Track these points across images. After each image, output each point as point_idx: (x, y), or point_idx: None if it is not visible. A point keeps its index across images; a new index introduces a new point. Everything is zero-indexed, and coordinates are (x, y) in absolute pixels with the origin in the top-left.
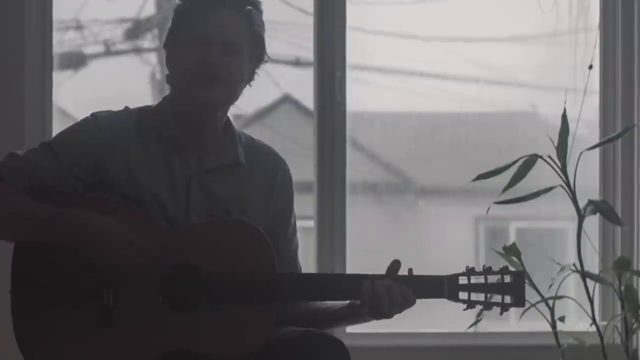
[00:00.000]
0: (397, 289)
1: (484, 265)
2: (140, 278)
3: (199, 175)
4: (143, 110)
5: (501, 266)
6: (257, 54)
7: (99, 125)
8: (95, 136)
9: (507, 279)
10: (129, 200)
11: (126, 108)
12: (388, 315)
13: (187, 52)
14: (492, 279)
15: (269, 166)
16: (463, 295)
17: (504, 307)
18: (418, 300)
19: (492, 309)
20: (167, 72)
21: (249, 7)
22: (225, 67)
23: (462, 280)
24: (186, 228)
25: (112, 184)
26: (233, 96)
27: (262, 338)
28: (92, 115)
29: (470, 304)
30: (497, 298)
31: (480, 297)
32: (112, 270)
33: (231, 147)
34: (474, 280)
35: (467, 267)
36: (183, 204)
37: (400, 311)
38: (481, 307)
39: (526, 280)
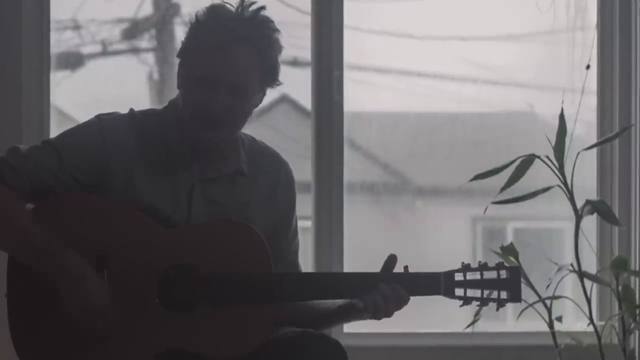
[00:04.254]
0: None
1: (479, 261)
2: (139, 278)
3: (201, 183)
4: (148, 114)
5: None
6: (268, 82)
7: (104, 128)
8: (100, 139)
9: (503, 274)
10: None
11: (131, 110)
12: (387, 315)
13: (193, 90)
14: (488, 274)
15: (271, 168)
16: (459, 291)
17: (500, 303)
18: (415, 299)
19: (488, 304)
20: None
21: (263, 43)
22: (229, 110)
23: (458, 277)
24: (182, 228)
25: (111, 186)
26: (236, 132)
27: (260, 338)
28: (97, 117)
29: (467, 300)
30: (493, 294)
31: (477, 293)
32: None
33: (234, 155)
34: (469, 276)
35: (463, 263)
36: (184, 211)
37: (397, 310)
38: (477, 303)
39: (523, 280)
